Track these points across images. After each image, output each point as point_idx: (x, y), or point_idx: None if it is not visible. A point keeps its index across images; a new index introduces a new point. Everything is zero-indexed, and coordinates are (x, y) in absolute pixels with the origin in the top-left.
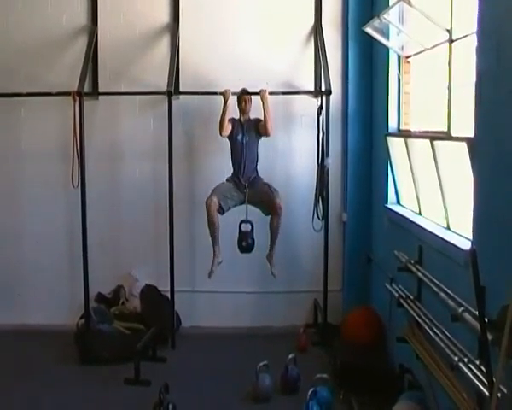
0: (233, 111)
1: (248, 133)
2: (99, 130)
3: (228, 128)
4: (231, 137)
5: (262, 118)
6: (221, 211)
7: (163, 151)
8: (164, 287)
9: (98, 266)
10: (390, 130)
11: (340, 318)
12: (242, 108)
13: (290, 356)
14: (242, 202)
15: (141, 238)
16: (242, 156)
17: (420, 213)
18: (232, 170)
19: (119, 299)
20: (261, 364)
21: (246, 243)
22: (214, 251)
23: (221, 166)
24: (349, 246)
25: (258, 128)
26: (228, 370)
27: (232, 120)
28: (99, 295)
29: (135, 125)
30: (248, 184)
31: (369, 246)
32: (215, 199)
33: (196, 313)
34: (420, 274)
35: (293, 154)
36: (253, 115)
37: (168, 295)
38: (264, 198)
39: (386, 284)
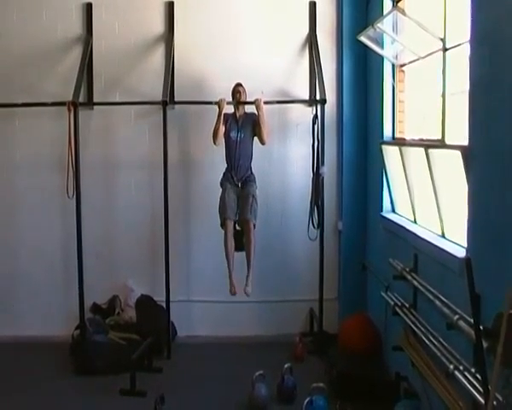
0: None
1: (243, 130)
2: (94, 140)
3: (221, 136)
4: (225, 134)
5: (257, 114)
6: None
7: (158, 161)
8: (159, 297)
9: (93, 277)
10: (385, 138)
11: (336, 326)
12: (237, 99)
13: (286, 365)
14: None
15: (136, 248)
16: (236, 154)
17: (415, 222)
18: (226, 165)
19: (114, 309)
20: (257, 373)
21: (239, 242)
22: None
23: (216, 176)
24: (344, 254)
25: (254, 126)
26: (224, 379)
27: (226, 116)
28: (94, 306)
29: (130, 135)
30: (241, 184)
31: (365, 254)
32: (229, 223)
33: (192, 323)
34: (415, 282)
35: (289, 162)
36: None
37: (164, 304)
38: (243, 210)
39: (382, 293)
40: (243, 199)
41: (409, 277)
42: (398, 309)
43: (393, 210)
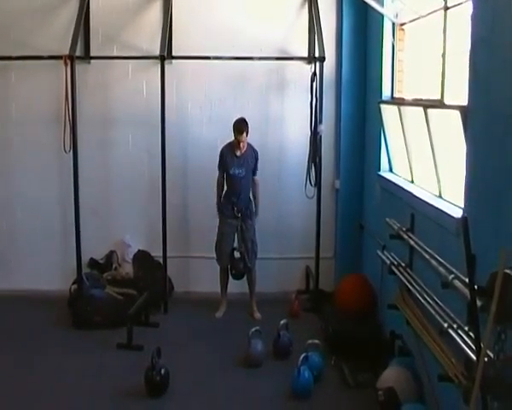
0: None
1: (245, 167)
2: (91, 94)
3: (222, 177)
4: (227, 171)
5: (256, 158)
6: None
7: (156, 117)
8: (156, 253)
9: (90, 232)
10: (383, 97)
11: (332, 285)
12: (237, 145)
13: (282, 322)
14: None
15: (133, 204)
16: (238, 189)
17: (412, 181)
18: (226, 191)
19: (111, 264)
20: (253, 329)
21: (236, 270)
22: (221, 297)
23: (216, 134)
24: (341, 213)
25: (255, 164)
26: (220, 335)
27: (226, 152)
28: (91, 261)
29: (127, 89)
30: (241, 215)
31: (362, 213)
32: (224, 260)
33: (189, 279)
34: (411, 242)
35: (286, 121)
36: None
37: (161, 260)
38: (244, 258)
39: (378, 252)
40: (244, 241)
41: (405, 236)
42: (394, 268)
43: (391, 170)
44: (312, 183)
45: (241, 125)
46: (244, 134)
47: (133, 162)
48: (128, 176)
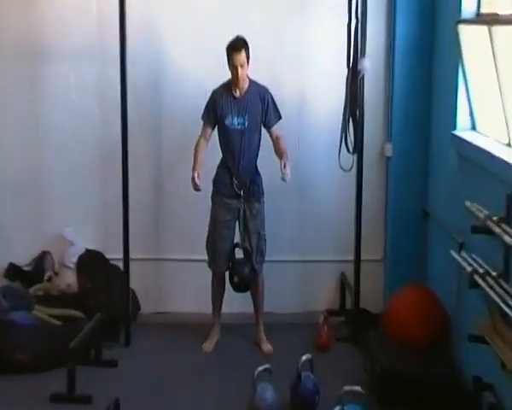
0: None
1: (247, 114)
2: (12, 15)
3: (207, 134)
4: (221, 121)
5: (266, 99)
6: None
7: (112, 45)
8: (114, 254)
9: (11, 223)
10: (464, 14)
11: (379, 302)
12: (234, 78)
13: (304, 357)
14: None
15: (78, 181)
16: (237, 150)
17: (510, 145)
18: (222, 156)
19: (43, 272)
20: (260, 369)
21: (239, 278)
22: (213, 321)
23: (202, 74)
24: (395, 194)
25: (265, 111)
26: (210, 378)
27: (219, 93)
28: (11, 268)
29: (67, 4)
30: (244, 193)
31: (427, 195)
32: (221, 263)
33: (162, 293)
34: (507, 238)
35: (311, 55)
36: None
37: (120, 265)
38: (248, 248)
39: (453, 253)
40: (247, 234)
41: (497, 229)
42: (478, 278)
43: (474, 128)
44: (350, 148)
45: (237, 43)
46: (243, 54)
47: (77, 118)
48: (70, 139)
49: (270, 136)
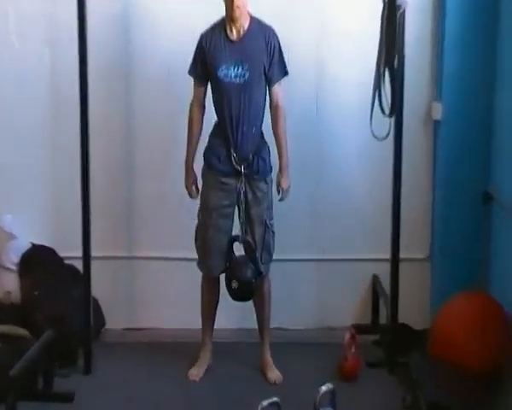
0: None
1: (247, 63)
2: None
3: (201, 96)
4: (213, 74)
5: (272, 44)
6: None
7: None
8: (70, 251)
9: None
10: None
11: (424, 315)
12: (230, 14)
13: (324, 388)
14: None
15: (21, 155)
16: (234, 112)
17: None
18: (216, 121)
19: None
20: (266, 403)
21: (239, 281)
22: (203, 340)
23: (190, 21)
24: (446, 171)
25: (270, 59)
26: None
27: (209, 37)
28: None
29: None
30: (245, 169)
31: (488, 172)
32: (214, 262)
33: (135, 302)
34: None
35: None
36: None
37: (79, 265)
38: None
39: None
40: (250, 224)
41: None
42: None
43: None
44: (386, 109)
45: None
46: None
47: (21, 68)
48: (11, 96)
49: (270, 96)
